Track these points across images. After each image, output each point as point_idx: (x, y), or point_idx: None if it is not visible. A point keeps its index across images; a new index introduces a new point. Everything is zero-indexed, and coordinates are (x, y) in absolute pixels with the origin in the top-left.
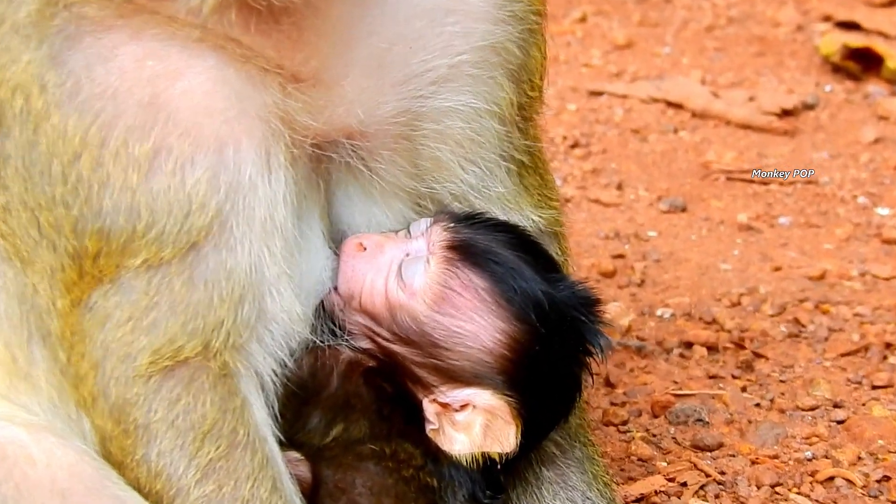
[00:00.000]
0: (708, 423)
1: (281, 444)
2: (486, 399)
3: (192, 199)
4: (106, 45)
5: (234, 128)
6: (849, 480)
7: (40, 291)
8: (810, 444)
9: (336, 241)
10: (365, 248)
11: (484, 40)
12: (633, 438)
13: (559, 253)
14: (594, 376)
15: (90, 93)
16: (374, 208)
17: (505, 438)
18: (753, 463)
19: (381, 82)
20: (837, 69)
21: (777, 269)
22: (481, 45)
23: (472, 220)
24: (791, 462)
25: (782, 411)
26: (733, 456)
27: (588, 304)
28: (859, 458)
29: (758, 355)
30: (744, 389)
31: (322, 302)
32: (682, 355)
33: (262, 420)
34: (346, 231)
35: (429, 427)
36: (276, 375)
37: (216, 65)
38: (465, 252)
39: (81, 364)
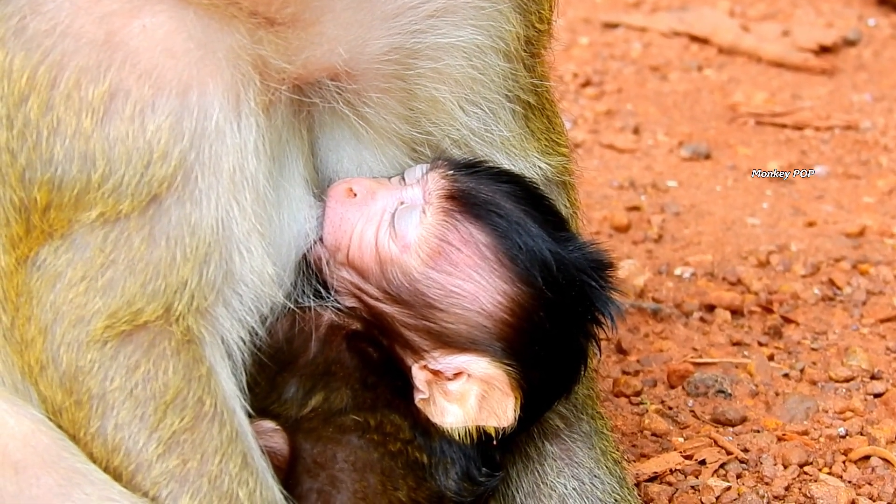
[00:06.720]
0: (730, 394)
1: (251, 416)
2: (482, 367)
3: (152, 146)
4: None
5: (199, 70)
6: (886, 460)
7: None
8: (844, 420)
9: (322, 190)
10: (355, 194)
11: None
12: (647, 411)
13: (567, 205)
14: (605, 342)
15: (37, 29)
16: (365, 153)
17: (502, 411)
18: (780, 440)
19: (370, 16)
20: (883, 1)
21: (811, 224)
22: None
23: (474, 168)
24: (822, 439)
25: (813, 383)
26: (758, 432)
27: (600, 268)
28: None
29: (787, 320)
30: (771, 358)
31: (304, 257)
32: (702, 319)
33: (230, 391)
34: (334, 179)
35: (418, 397)
36: (244, 344)
37: (178, 3)
38: (465, 203)
39: (28, 328)
